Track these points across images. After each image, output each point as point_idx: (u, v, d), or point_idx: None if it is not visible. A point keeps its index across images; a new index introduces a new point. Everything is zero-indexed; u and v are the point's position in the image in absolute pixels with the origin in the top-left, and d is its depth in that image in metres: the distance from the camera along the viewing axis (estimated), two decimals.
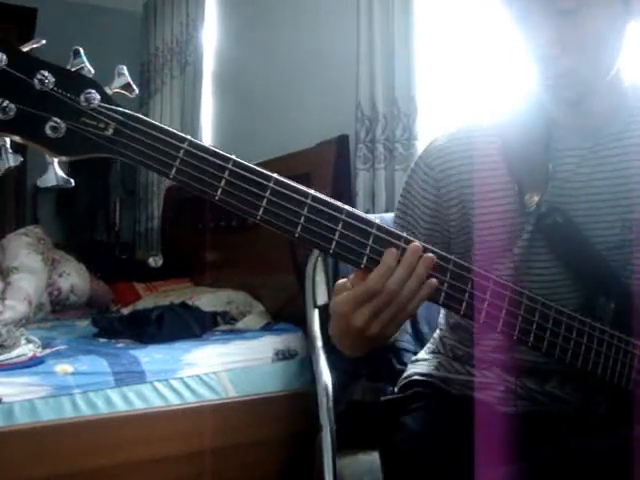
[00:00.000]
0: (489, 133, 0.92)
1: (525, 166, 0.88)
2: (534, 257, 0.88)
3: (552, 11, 0.79)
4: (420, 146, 1.95)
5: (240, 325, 2.43)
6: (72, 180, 0.65)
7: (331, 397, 1.21)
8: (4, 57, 0.60)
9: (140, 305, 2.79)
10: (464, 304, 0.75)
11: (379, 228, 0.71)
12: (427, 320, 1.26)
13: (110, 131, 0.64)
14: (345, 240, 0.70)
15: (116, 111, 0.64)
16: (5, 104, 0.60)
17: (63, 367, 1.87)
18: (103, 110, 0.64)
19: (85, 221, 4.18)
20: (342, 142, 2.31)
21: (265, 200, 0.67)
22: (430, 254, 0.72)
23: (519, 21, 0.83)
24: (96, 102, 0.63)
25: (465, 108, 1.94)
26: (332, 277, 1.30)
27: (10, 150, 0.63)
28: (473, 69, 1.91)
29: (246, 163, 0.68)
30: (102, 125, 0.64)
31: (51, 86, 0.62)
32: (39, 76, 0.61)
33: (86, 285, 2.99)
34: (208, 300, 2.59)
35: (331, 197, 0.71)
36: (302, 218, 0.69)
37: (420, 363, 1.07)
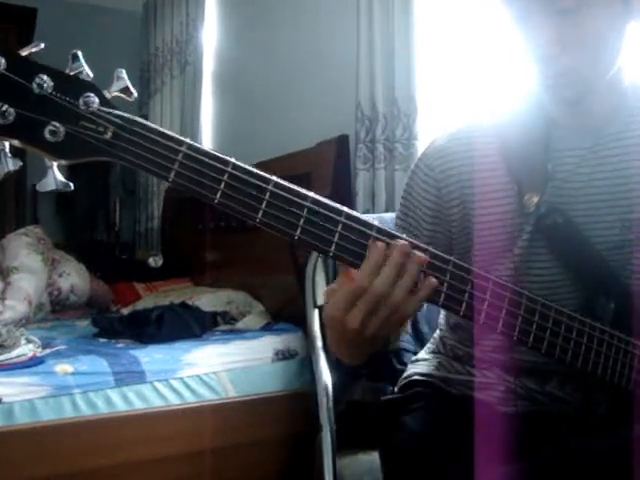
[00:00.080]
0: (488, 133, 0.92)
1: (524, 166, 0.88)
2: (534, 257, 0.88)
3: (552, 11, 0.79)
4: (420, 146, 1.95)
5: (240, 325, 2.43)
6: (71, 184, 0.65)
7: (331, 397, 1.21)
8: (3, 61, 0.60)
9: (140, 305, 2.80)
10: (464, 305, 0.75)
11: (379, 230, 0.71)
12: (427, 320, 1.26)
13: (109, 135, 0.64)
14: (344, 242, 0.70)
15: (115, 115, 0.64)
16: (4, 108, 0.60)
17: (63, 367, 1.87)
18: (102, 114, 0.64)
19: (85, 221, 4.18)
20: (342, 142, 2.31)
21: (264, 203, 0.67)
22: (421, 253, 0.72)
23: (519, 21, 0.83)
24: (95, 106, 0.63)
25: (465, 108, 1.94)
26: (332, 277, 1.30)
27: (9, 154, 0.63)
28: (473, 69, 1.91)
29: (245, 166, 0.68)
30: (101, 129, 0.64)
31: (50, 90, 0.62)
32: (38, 80, 0.61)
33: (86, 285, 2.99)
34: (208, 300, 2.59)
35: (331, 197, 0.71)
36: (301, 220, 0.68)
37: (420, 363, 1.07)
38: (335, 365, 1.24)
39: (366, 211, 2.10)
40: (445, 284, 0.74)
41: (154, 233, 3.79)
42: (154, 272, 3.28)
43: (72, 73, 0.64)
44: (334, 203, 0.70)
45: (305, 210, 0.68)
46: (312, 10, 2.65)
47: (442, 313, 1.06)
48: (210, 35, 3.45)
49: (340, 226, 0.70)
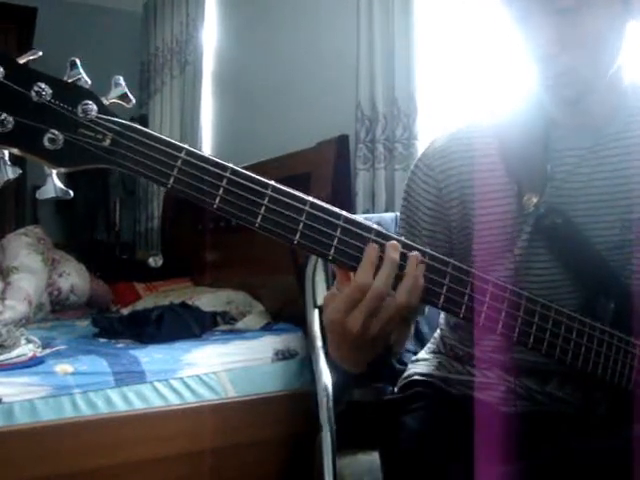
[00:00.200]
0: (488, 133, 0.92)
1: (524, 167, 0.88)
2: (534, 258, 0.88)
3: (551, 10, 0.79)
4: (420, 146, 1.95)
5: (240, 325, 2.43)
6: (71, 192, 0.65)
7: (331, 397, 1.21)
8: (1, 69, 0.60)
9: (140, 305, 2.80)
10: (463, 307, 0.75)
11: (377, 233, 0.71)
12: (427, 320, 1.26)
13: (107, 142, 0.64)
14: (343, 246, 0.70)
15: (113, 122, 0.64)
16: (3, 117, 0.60)
17: (63, 367, 1.87)
18: (100, 121, 0.64)
19: (85, 221, 4.18)
20: (342, 142, 2.31)
21: (263, 208, 0.67)
22: (415, 252, 0.72)
23: (519, 21, 0.83)
24: (93, 113, 0.64)
25: (465, 108, 1.94)
26: (332, 277, 1.30)
27: (9, 162, 0.63)
28: (473, 69, 1.91)
29: (244, 171, 0.68)
30: (100, 136, 0.64)
31: (48, 98, 0.62)
32: (36, 88, 0.61)
33: (86, 285, 2.99)
34: (208, 300, 2.59)
35: (331, 197, 0.71)
36: (300, 225, 0.68)
37: (420, 363, 1.07)
38: (335, 365, 1.24)
39: (366, 211, 2.10)
40: (445, 286, 0.74)
41: (154, 233, 3.79)
42: (154, 272, 3.28)
43: (70, 80, 0.64)
44: (333, 207, 0.70)
45: (304, 214, 0.69)
46: (312, 10, 2.65)
47: (442, 313, 1.06)
48: (210, 35, 3.45)
49: (339, 230, 0.70)
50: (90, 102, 0.64)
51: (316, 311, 1.33)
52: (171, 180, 0.65)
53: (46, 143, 0.62)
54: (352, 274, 0.71)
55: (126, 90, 0.67)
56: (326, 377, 1.24)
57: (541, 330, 0.78)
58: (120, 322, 2.36)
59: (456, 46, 1.96)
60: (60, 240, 3.66)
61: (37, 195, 0.65)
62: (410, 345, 1.27)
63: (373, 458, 1.03)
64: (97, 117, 0.64)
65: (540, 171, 0.87)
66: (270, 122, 2.90)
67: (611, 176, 0.88)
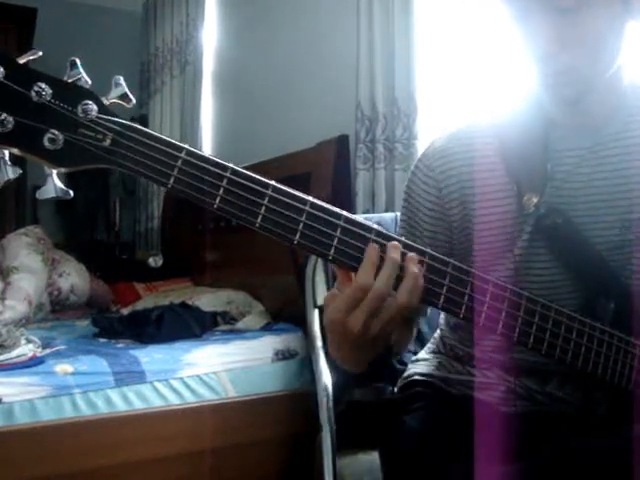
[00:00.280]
0: (488, 133, 0.92)
1: (524, 167, 0.88)
2: (534, 258, 0.88)
3: (551, 9, 0.79)
4: (420, 146, 1.95)
5: (240, 325, 2.43)
6: (71, 191, 0.65)
7: (331, 397, 1.21)
8: (1, 69, 0.60)
9: (140, 305, 2.80)
10: (463, 307, 0.75)
11: (378, 233, 0.71)
12: (427, 320, 1.26)
13: (108, 142, 0.64)
14: (344, 246, 0.70)
15: (113, 122, 0.64)
16: (3, 117, 0.60)
17: (63, 367, 1.87)
18: (100, 121, 0.64)
19: (85, 221, 4.18)
20: (342, 142, 2.31)
21: (264, 208, 0.67)
22: (412, 254, 0.72)
23: (518, 20, 0.83)
24: (93, 113, 0.64)
25: (465, 108, 1.94)
26: (332, 277, 1.30)
27: (9, 162, 0.63)
28: (473, 69, 1.91)
29: (244, 171, 0.68)
30: (100, 136, 0.64)
31: (48, 98, 0.62)
32: (36, 88, 0.61)
33: (86, 285, 2.99)
34: (208, 300, 2.59)
35: (331, 197, 0.71)
36: (301, 225, 0.68)
37: (420, 363, 1.07)
38: (335, 365, 1.24)
39: (366, 211, 2.10)
40: (445, 287, 0.74)
41: (154, 233, 3.79)
42: (154, 272, 3.28)
43: (70, 80, 0.64)
44: (333, 207, 0.70)
45: (304, 214, 0.68)
46: (312, 10, 2.65)
47: (442, 313, 1.06)
48: (210, 35, 3.45)
49: (339, 230, 0.70)
50: (90, 102, 0.64)
51: (316, 311, 1.33)
52: (171, 180, 0.65)
53: (46, 143, 0.62)
54: (353, 274, 0.71)
55: (126, 90, 0.67)
56: (326, 377, 1.24)
57: (541, 330, 0.78)
58: (120, 322, 2.36)
59: (456, 46, 1.96)
60: (60, 240, 3.66)
61: (37, 195, 0.65)
62: (410, 345, 1.27)
63: (373, 458, 1.03)
64: (97, 117, 0.64)
65: (540, 171, 0.87)
66: (270, 122, 2.90)
67: (611, 176, 0.88)
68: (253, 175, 0.68)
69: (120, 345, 2.18)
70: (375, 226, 0.71)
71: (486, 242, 0.91)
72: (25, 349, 1.92)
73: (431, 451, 0.86)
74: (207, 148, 3.43)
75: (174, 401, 1.95)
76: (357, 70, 2.17)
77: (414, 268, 0.71)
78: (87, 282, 3.00)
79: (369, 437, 1.07)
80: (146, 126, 0.67)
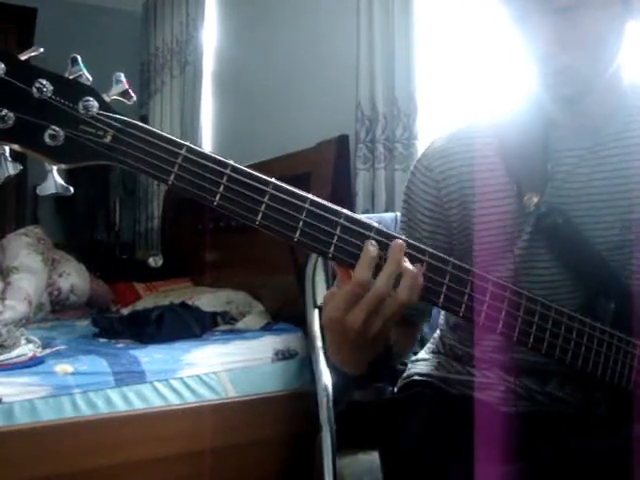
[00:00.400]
0: (488, 134, 0.92)
1: (524, 167, 0.88)
2: (534, 258, 0.88)
3: (550, 9, 0.79)
4: (420, 146, 1.96)
5: (240, 325, 2.43)
6: (71, 188, 0.65)
7: (331, 397, 1.21)
8: (2, 66, 0.60)
9: (140, 305, 2.80)
10: (463, 306, 0.74)
11: (377, 232, 0.71)
12: None
13: (108, 138, 0.64)
14: (343, 244, 0.70)
15: (114, 118, 0.64)
16: (4, 113, 0.60)
17: (63, 367, 1.87)
18: (101, 117, 0.64)
19: (85, 221, 4.18)
20: (342, 142, 2.31)
21: (264, 205, 0.67)
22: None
23: (517, 20, 0.83)
24: (94, 110, 0.63)
25: (465, 108, 1.94)
26: (332, 277, 1.30)
27: (9, 159, 0.63)
28: (472, 69, 1.91)
29: (244, 168, 0.68)
30: (100, 133, 0.64)
31: (49, 94, 0.62)
32: (37, 84, 0.61)
33: (86, 285, 2.99)
34: (208, 300, 2.59)
35: (331, 197, 0.71)
36: (301, 223, 0.68)
37: (420, 363, 1.07)
38: (335, 367, 1.24)
39: (366, 211, 2.10)
40: (444, 286, 0.74)
41: (154, 233, 3.79)
42: (154, 272, 3.28)
43: (71, 77, 0.64)
44: (333, 205, 0.70)
45: (304, 212, 0.68)
46: (312, 10, 2.65)
47: (442, 313, 1.06)
48: (210, 35, 3.45)
49: (339, 228, 0.70)
50: (91, 99, 0.64)
51: (316, 311, 1.33)
52: (172, 177, 0.65)
53: (47, 139, 0.62)
54: (352, 273, 0.71)
55: (127, 87, 0.67)
56: (326, 377, 1.24)
57: (541, 330, 0.78)
58: (120, 322, 2.36)
59: (456, 46, 1.96)
60: (60, 240, 3.65)
61: (38, 191, 0.65)
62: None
63: (373, 458, 1.03)
64: (98, 113, 0.64)
65: (540, 171, 0.87)
66: (270, 122, 2.90)
67: (611, 176, 0.88)
68: (253, 172, 0.68)
69: (120, 345, 2.18)
70: (375, 224, 0.71)
71: (486, 242, 0.91)
72: (25, 349, 1.92)
73: (431, 451, 0.86)
74: (207, 148, 3.38)
75: (174, 401, 1.95)
76: (357, 70, 2.17)
77: (411, 267, 0.71)
78: (87, 282, 3.00)
79: (369, 437, 1.07)
80: None
